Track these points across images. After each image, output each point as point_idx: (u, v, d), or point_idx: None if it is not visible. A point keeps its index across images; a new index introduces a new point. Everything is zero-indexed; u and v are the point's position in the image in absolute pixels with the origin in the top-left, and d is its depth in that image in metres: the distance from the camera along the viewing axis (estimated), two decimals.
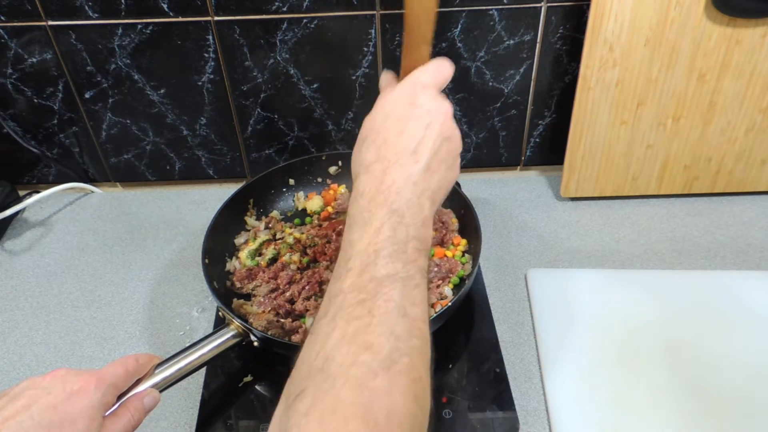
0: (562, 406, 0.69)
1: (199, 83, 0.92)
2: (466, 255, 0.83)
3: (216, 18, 0.85)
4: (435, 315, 0.69)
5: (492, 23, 0.87)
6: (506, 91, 0.94)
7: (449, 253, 0.81)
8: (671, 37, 0.81)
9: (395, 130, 0.51)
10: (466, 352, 0.76)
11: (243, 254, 0.84)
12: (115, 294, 0.87)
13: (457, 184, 0.88)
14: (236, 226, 0.89)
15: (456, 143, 0.54)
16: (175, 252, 0.93)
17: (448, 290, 0.76)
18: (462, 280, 0.78)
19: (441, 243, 0.83)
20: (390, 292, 0.43)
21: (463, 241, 0.84)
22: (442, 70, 0.56)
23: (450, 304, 0.70)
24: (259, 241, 0.85)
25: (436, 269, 0.78)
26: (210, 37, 0.87)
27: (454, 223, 0.86)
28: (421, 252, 0.47)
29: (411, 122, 0.51)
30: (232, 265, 0.83)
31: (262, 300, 0.77)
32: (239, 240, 0.87)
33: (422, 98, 0.53)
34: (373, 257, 0.44)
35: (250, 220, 0.90)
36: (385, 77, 0.58)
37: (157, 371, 0.59)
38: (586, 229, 0.93)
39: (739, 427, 0.67)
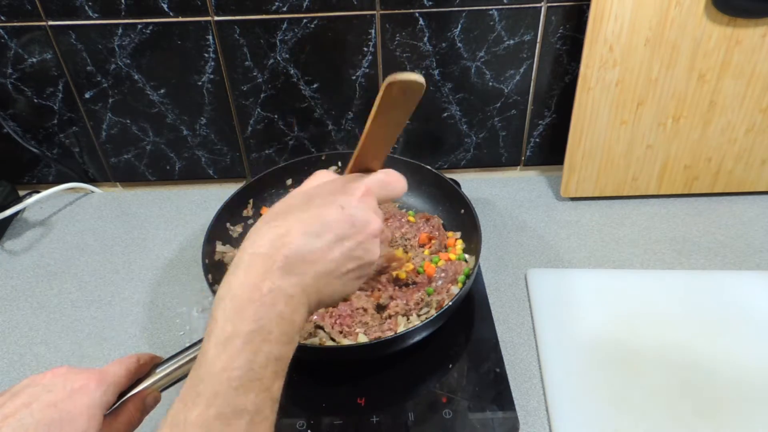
0: (562, 406, 0.69)
1: (199, 83, 0.92)
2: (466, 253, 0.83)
3: (216, 18, 0.85)
4: (435, 315, 0.69)
5: (492, 23, 0.87)
6: (506, 91, 0.94)
7: (453, 257, 0.81)
8: (671, 37, 0.81)
9: (304, 227, 0.45)
10: (466, 352, 0.76)
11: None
12: (115, 294, 0.87)
13: (457, 183, 0.88)
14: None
15: (363, 265, 0.48)
16: (175, 252, 0.93)
17: (455, 289, 0.76)
18: (467, 276, 0.78)
19: (442, 248, 0.84)
20: (235, 429, 0.40)
21: (459, 240, 0.84)
22: (394, 185, 0.50)
23: (450, 303, 0.70)
24: None
25: (443, 275, 0.78)
26: (210, 37, 0.87)
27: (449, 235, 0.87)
28: (278, 375, 0.43)
29: (326, 227, 0.45)
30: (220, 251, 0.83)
31: None
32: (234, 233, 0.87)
33: (356, 205, 0.47)
34: (225, 386, 0.40)
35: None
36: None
37: (157, 371, 0.59)
38: (586, 229, 0.93)
39: (739, 427, 0.67)
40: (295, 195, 0.48)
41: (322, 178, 0.50)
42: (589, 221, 0.95)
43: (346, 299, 0.73)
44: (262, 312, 0.42)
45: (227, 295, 0.43)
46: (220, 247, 0.82)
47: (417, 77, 0.43)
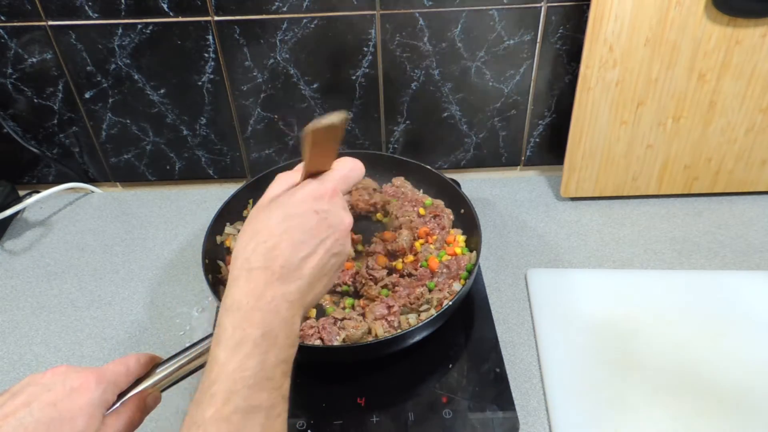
0: (562, 406, 0.69)
1: (199, 83, 0.92)
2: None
3: (216, 18, 0.85)
4: (435, 315, 0.69)
5: (492, 23, 0.87)
6: (506, 91, 0.94)
7: (458, 250, 0.81)
8: (671, 37, 0.81)
9: (290, 238, 0.48)
10: (466, 352, 0.76)
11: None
12: (115, 294, 0.87)
13: (457, 183, 0.88)
14: None
15: (342, 259, 0.53)
16: (175, 252, 0.93)
17: (457, 286, 0.76)
18: (470, 273, 0.78)
19: (445, 243, 0.84)
20: (252, 426, 0.43)
21: (461, 237, 0.84)
22: (353, 175, 0.54)
23: (450, 303, 0.70)
24: None
25: (446, 270, 0.78)
26: (210, 37, 0.87)
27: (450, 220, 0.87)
28: (286, 375, 0.47)
29: (308, 233, 0.49)
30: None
31: None
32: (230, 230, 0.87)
33: (328, 207, 0.51)
34: (240, 385, 0.43)
35: None
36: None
37: (157, 371, 0.59)
38: (586, 229, 0.93)
39: (739, 427, 0.66)
40: (269, 207, 0.50)
41: (286, 181, 0.53)
42: (589, 221, 0.95)
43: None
44: (268, 318, 0.46)
45: (233, 305, 0.46)
46: (228, 228, 0.85)
47: (334, 120, 0.47)
